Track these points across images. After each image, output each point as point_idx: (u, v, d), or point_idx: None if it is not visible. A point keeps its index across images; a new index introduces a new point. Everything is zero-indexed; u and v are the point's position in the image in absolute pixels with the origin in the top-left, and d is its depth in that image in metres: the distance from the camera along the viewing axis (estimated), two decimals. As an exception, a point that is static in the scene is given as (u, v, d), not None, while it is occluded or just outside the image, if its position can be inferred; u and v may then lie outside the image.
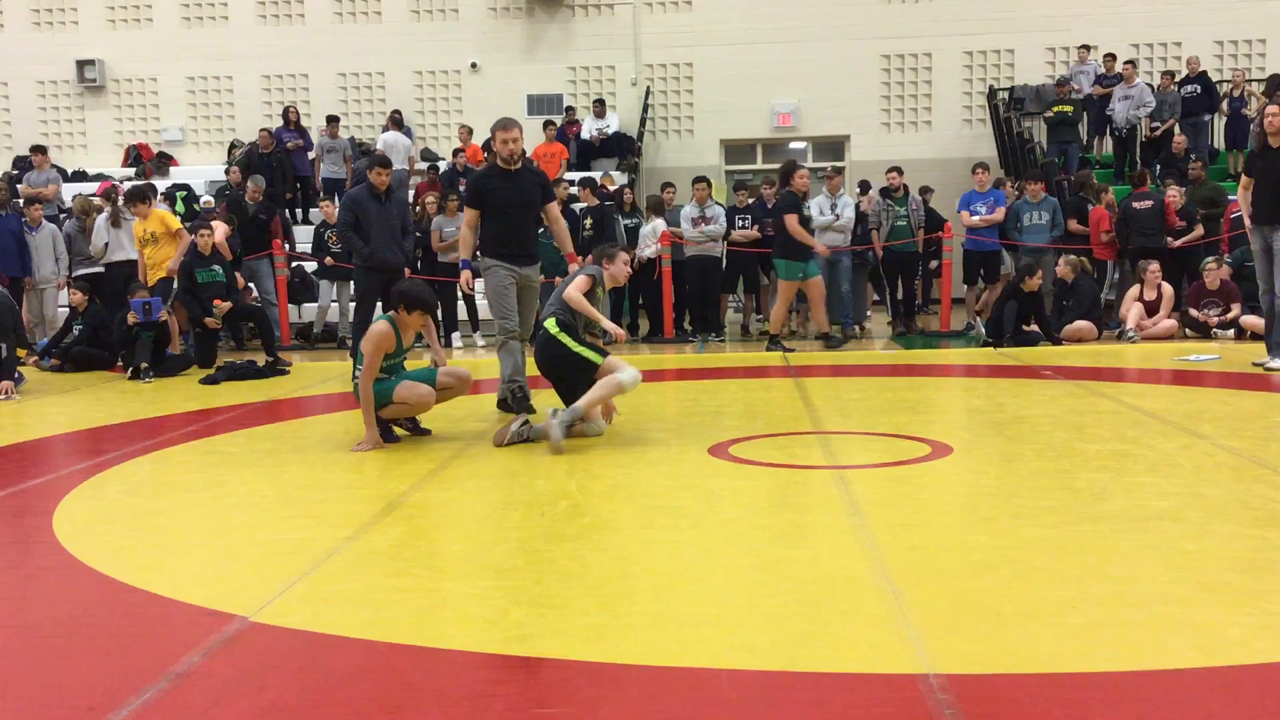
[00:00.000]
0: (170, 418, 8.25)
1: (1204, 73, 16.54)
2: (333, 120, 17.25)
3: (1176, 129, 15.93)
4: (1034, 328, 11.79)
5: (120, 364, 11.19)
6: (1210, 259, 12.21)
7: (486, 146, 16.50)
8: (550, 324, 6.79)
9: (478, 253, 7.72)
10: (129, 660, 3.35)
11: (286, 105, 17.89)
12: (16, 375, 9.89)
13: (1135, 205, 12.56)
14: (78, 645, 3.50)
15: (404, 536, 4.69)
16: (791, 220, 11.35)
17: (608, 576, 4.03)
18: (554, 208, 7.74)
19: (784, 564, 4.14)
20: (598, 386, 6.60)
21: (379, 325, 6.69)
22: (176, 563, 4.42)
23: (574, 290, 6.81)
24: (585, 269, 7.06)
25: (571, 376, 6.76)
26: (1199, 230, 12.73)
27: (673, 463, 6.05)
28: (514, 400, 7.17)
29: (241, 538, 4.79)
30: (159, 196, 13.65)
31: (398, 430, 6.96)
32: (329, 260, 13.32)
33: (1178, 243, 12.63)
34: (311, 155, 17.35)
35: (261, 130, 17.05)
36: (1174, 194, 12.80)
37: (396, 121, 17.75)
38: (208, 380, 10.25)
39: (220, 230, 12.18)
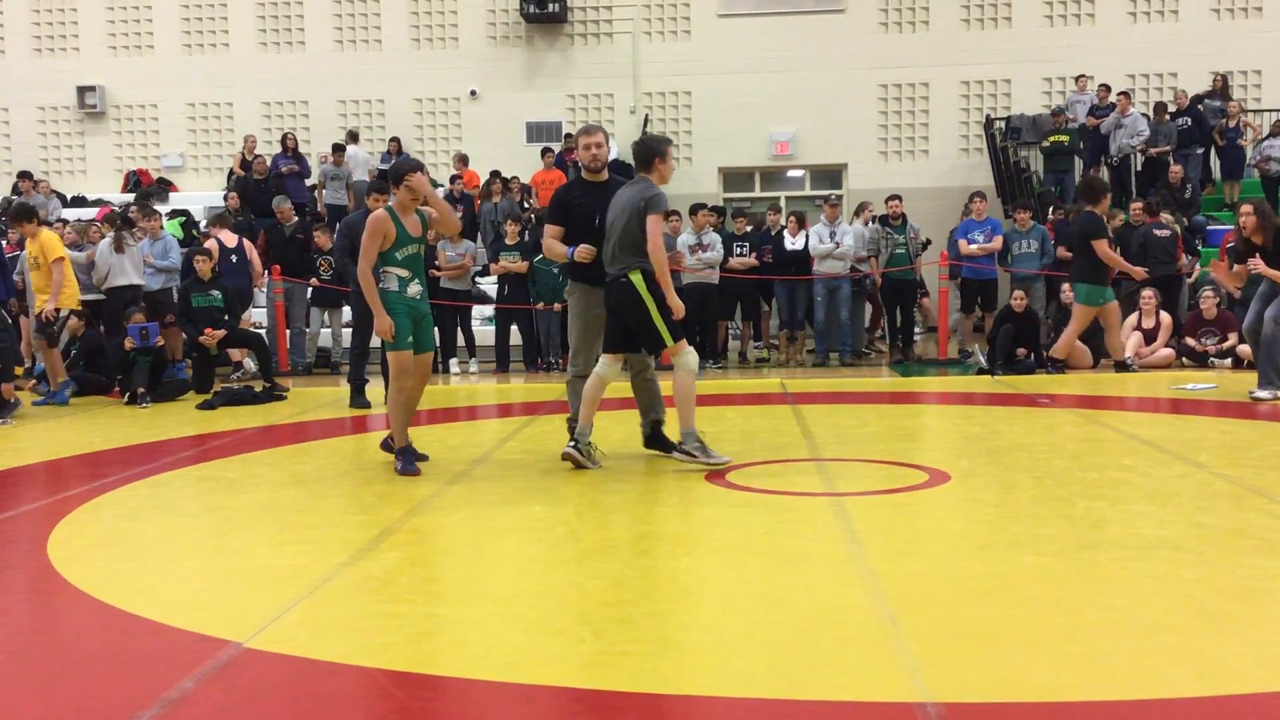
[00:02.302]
0: (166, 443, 8.24)
1: (1194, 105, 16.63)
2: (338, 149, 17.38)
3: (1171, 159, 16.00)
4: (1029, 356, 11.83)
5: (118, 389, 11.18)
6: (1207, 288, 12.26)
7: (495, 177, 16.52)
8: (638, 280, 6.47)
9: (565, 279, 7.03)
10: (121, 686, 3.33)
11: (285, 131, 17.97)
12: (13, 401, 9.87)
13: (1156, 234, 12.62)
14: (70, 670, 3.48)
15: (400, 562, 4.67)
16: (1102, 245, 10.78)
17: (604, 603, 4.01)
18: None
19: (781, 591, 4.13)
20: (590, 403, 6.62)
21: (377, 212, 6.61)
22: (171, 588, 4.40)
23: (659, 247, 6.47)
24: (651, 201, 6.51)
25: (638, 330, 6.60)
26: (1183, 260, 12.84)
27: (670, 489, 6.04)
28: (572, 438, 6.74)
29: (236, 563, 4.77)
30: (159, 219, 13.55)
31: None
32: (315, 282, 13.30)
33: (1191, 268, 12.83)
34: (311, 182, 17.43)
35: (257, 156, 17.12)
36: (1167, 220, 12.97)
37: (354, 137, 18.03)
38: (204, 405, 10.24)
39: (233, 238, 12.18)
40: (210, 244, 12.39)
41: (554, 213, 7.11)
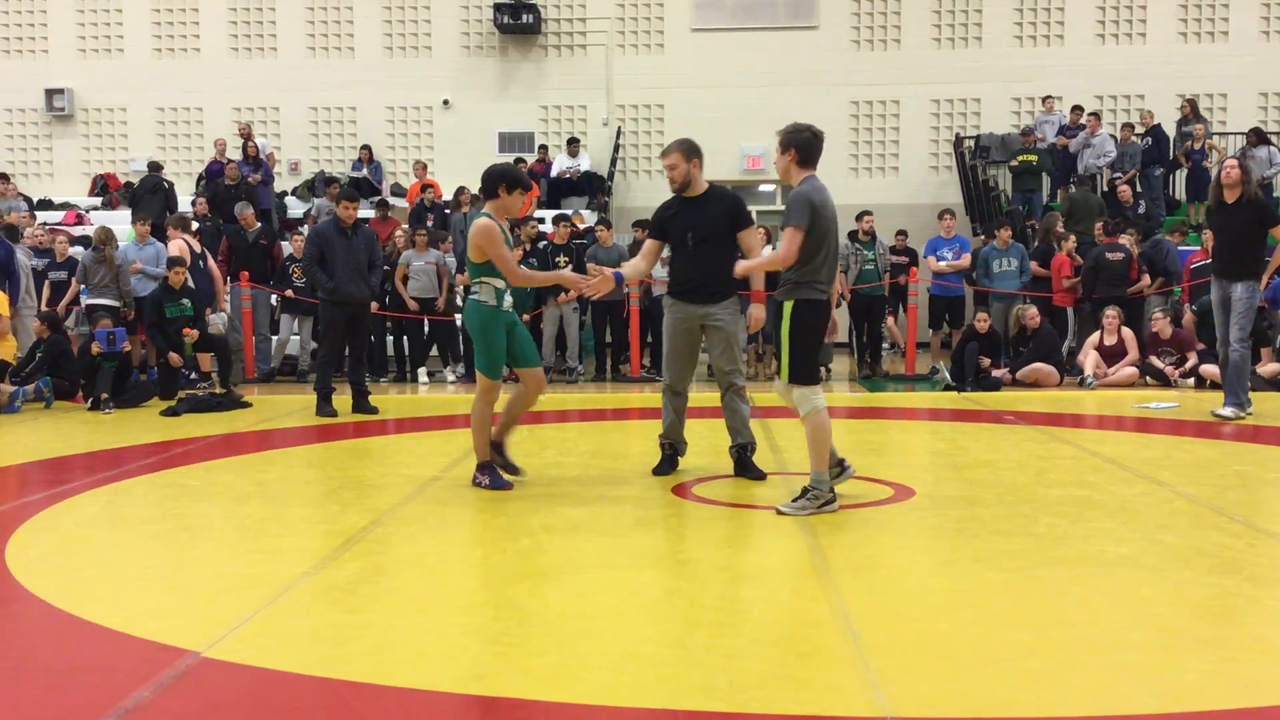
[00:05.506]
0: (129, 449, 8.16)
1: (1158, 126, 16.82)
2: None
3: (1135, 183, 16.18)
4: (997, 371, 11.91)
5: (81, 394, 11.06)
6: (1158, 309, 12.39)
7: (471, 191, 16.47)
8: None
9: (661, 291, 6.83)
10: (78, 694, 3.30)
11: (245, 138, 17.79)
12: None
13: (1108, 256, 12.70)
14: (26, 678, 3.44)
15: (362, 572, 4.64)
16: None
17: (568, 615, 4.00)
18: (752, 234, 7.02)
19: (745, 605, 4.13)
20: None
21: (488, 223, 6.22)
22: (130, 596, 4.35)
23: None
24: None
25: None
26: (1145, 280, 12.91)
27: (636, 502, 6.04)
28: (663, 457, 6.75)
29: (197, 571, 4.73)
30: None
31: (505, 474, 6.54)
32: (290, 293, 13.24)
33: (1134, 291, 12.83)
34: (281, 188, 17.38)
35: (229, 162, 17.01)
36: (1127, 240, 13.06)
37: (246, 134, 18.20)
38: (169, 412, 10.15)
39: (176, 245, 11.96)
40: (177, 244, 12.18)
41: (655, 227, 7.15)
